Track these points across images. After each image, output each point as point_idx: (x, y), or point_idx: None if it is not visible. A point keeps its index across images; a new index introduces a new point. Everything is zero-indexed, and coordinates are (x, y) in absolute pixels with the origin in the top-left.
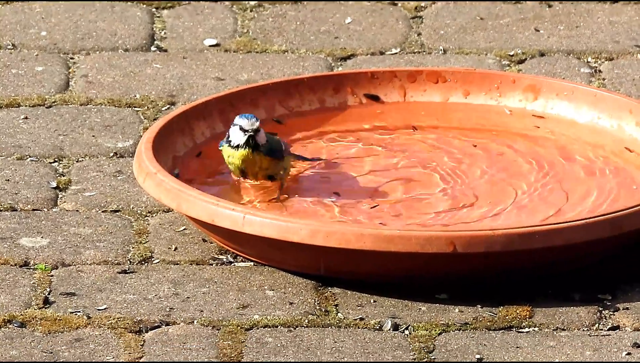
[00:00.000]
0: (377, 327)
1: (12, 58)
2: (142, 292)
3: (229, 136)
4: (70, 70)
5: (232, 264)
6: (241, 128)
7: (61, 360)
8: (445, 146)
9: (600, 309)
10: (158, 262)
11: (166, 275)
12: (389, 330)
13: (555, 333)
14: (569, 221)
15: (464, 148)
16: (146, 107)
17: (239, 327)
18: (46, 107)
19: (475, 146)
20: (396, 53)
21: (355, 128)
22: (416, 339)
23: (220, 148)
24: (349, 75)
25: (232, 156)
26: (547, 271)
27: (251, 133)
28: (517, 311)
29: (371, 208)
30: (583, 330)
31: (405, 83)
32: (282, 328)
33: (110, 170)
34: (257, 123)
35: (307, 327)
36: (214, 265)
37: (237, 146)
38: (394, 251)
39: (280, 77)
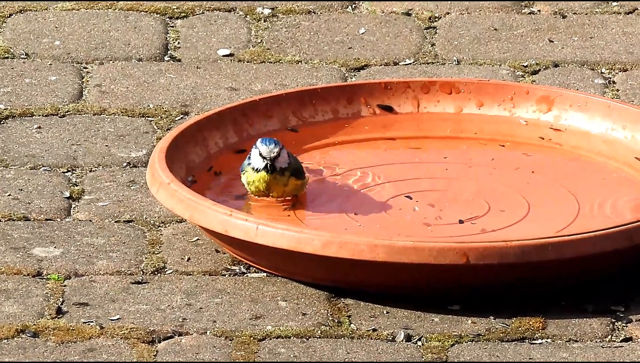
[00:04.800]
0: (390, 338)
1: (26, 67)
2: (155, 302)
3: (249, 158)
4: (83, 80)
5: (245, 275)
6: (260, 154)
7: None
8: (457, 156)
9: (613, 321)
10: (171, 272)
11: (179, 285)
12: (402, 341)
13: (568, 344)
14: (582, 233)
15: (476, 158)
16: (159, 117)
17: (251, 338)
18: (59, 117)
19: (488, 156)
20: (410, 64)
21: (368, 138)
22: (429, 350)
23: (241, 172)
24: (363, 85)
25: (254, 179)
26: (561, 283)
27: (269, 161)
28: (530, 323)
29: (409, 206)
30: (596, 342)
31: (418, 94)
32: (294, 339)
33: (123, 180)
34: (277, 149)
35: (319, 337)
36: (227, 275)
37: (258, 170)
38: (407, 262)
39: (294, 87)
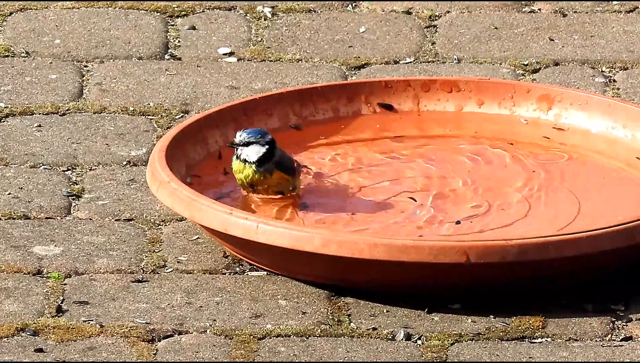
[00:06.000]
0: (390, 337)
1: (26, 66)
2: (155, 301)
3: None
4: (84, 78)
5: (245, 273)
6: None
7: None
8: (458, 155)
9: (613, 320)
10: (171, 271)
11: (179, 284)
12: (402, 340)
13: (568, 343)
14: (583, 232)
15: (476, 157)
16: (160, 116)
17: (251, 336)
18: (60, 116)
19: (488, 155)
20: (410, 62)
21: (369, 137)
22: (429, 349)
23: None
24: (363, 84)
25: (235, 170)
26: (561, 282)
27: (230, 145)
28: (530, 322)
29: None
30: (596, 341)
31: (419, 92)
32: (294, 337)
33: (123, 179)
34: (245, 137)
35: (319, 336)
36: (227, 274)
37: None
38: (407, 261)
39: (294, 86)
